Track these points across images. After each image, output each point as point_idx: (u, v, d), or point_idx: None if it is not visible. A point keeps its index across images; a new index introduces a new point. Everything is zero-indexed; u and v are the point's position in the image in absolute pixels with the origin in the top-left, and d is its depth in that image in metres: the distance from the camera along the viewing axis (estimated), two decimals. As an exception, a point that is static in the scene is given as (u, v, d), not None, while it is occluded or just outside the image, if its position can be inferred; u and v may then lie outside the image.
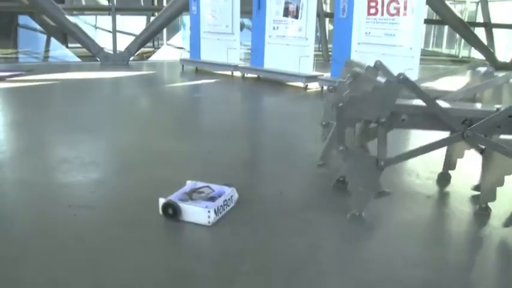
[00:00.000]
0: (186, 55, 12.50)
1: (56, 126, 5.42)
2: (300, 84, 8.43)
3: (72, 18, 11.88)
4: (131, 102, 7.38)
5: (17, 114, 6.32)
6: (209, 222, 2.86)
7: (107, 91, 8.67)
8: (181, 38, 16.33)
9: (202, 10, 10.43)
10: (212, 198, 3.07)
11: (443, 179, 3.81)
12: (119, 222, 2.94)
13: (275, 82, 8.89)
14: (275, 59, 9.02)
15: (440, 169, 3.83)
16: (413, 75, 6.73)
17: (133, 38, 12.27)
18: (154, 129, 5.47)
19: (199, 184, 3.26)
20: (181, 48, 15.56)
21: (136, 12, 16.99)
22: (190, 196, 3.08)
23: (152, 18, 13.82)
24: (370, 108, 2.89)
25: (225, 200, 3.05)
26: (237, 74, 9.71)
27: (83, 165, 3.96)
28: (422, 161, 4.15)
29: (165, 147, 4.55)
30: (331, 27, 14.07)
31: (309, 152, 4.29)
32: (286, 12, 8.78)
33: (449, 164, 3.79)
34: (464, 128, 2.94)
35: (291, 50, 8.67)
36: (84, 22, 14.90)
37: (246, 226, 2.96)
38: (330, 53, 10.68)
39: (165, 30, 14.73)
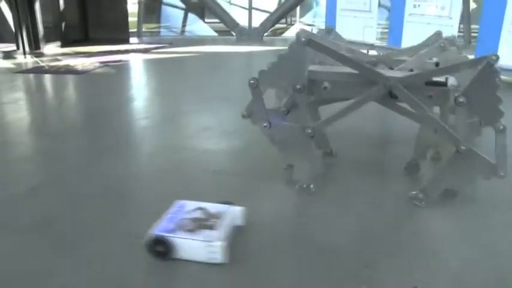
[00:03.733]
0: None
1: (195, 95, 5.67)
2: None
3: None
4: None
5: (160, 83, 6.75)
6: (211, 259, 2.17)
7: (242, 64, 8.91)
8: (314, 15, 16.24)
9: (339, -13, 10.24)
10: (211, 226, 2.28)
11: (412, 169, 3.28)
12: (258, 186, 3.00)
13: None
14: (414, 39, 8.60)
15: None
16: None
17: (266, 15, 12.44)
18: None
19: (189, 205, 2.49)
20: (313, 25, 15.47)
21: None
22: (184, 225, 2.30)
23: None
24: (281, 77, 2.79)
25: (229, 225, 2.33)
26: (373, 52, 9.43)
27: (224, 133, 4.10)
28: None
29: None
30: (475, 5, 13.14)
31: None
32: (430, -11, 8.31)
33: (421, 152, 3.27)
34: (385, 79, 2.73)
35: (432, 29, 8.19)
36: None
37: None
38: (473, 34, 9.99)
39: (298, 8, 14.73)
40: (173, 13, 16.18)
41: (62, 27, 10.24)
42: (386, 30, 9.70)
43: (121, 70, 7.60)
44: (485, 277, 2.11)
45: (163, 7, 16.15)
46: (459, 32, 10.44)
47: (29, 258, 2.21)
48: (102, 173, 3.25)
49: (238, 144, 3.88)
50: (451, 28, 7.95)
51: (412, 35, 8.64)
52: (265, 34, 12.06)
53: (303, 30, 3.74)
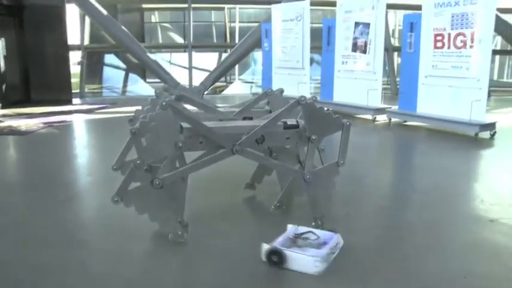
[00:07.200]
0: (257, 90, 13.01)
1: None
2: (369, 116, 8.63)
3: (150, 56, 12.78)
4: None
5: (103, 142, 6.95)
6: (316, 272, 2.67)
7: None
8: (252, 73, 16.97)
9: (274, 46, 10.95)
10: (318, 246, 2.89)
11: (250, 187, 4.18)
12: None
13: (344, 114, 9.10)
14: (344, 93, 9.31)
15: (506, 197, 4.02)
16: (481, 107, 6.81)
17: (206, 73, 12.97)
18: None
19: (302, 229, 3.08)
20: (252, 82, 16.17)
21: (209, 49, 17.84)
22: (296, 243, 2.92)
23: (224, 55, 14.51)
24: (161, 147, 2.96)
25: (331, 247, 2.88)
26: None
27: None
28: (489, 188, 4.30)
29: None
30: (400, 60, 14.22)
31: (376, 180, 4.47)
32: (355, 47, 9.07)
33: (256, 177, 4.16)
34: (233, 143, 3.07)
35: (359, 83, 8.93)
36: (161, 59, 15.89)
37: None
38: (398, 87, 10.85)
39: (237, 66, 15.39)
40: (115, 74, 16.53)
41: (2, 88, 10.34)
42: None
43: (65, 130, 7.77)
44: None
45: (105, 68, 16.49)
46: (385, 84, 11.32)
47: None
48: (51, 225, 3.46)
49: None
50: (375, 82, 8.70)
51: (343, 89, 9.34)
52: (205, 92, 12.54)
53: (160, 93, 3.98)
